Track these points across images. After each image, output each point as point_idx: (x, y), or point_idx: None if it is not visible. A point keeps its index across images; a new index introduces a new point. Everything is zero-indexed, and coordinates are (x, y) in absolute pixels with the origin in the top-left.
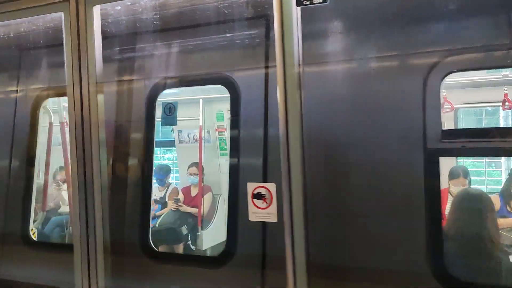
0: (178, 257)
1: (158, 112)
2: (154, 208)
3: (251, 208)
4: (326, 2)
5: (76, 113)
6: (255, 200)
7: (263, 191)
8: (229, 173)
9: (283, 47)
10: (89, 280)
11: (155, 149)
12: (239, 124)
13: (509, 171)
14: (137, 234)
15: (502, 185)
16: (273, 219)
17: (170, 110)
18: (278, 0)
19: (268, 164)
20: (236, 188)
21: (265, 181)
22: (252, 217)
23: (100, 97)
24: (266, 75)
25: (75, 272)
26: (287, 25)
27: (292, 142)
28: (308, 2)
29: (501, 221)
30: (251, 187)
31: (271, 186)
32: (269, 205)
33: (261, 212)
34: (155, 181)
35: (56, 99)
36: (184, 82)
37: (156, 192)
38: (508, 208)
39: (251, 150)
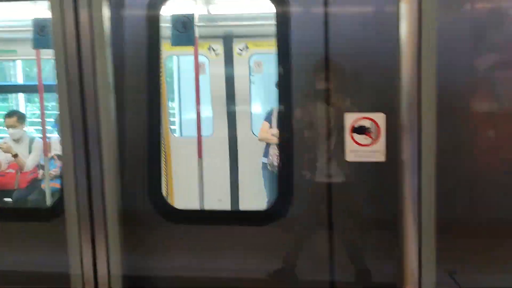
0: None
1: None
2: None
3: (350, 145)
4: None
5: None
6: (355, 135)
7: (367, 123)
8: None
9: None
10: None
11: None
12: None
13: None
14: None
15: None
16: (380, 157)
17: (184, 25)
18: None
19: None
20: None
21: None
22: (350, 157)
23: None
24: None
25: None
26: None
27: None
28: None
29: None
30: (350, 118)
31: (379, 118)
32: (375, 141)
33: (362, 150)
34: None
35: None
36: None
37: None
38: None
39: None
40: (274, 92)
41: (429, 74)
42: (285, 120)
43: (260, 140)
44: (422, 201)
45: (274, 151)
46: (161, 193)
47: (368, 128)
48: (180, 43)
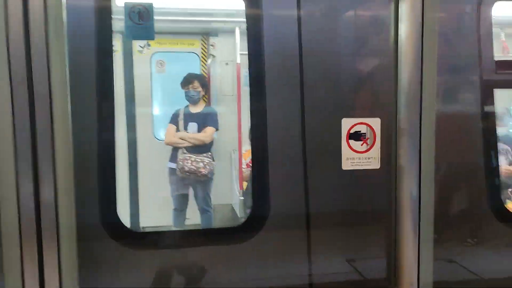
0: None
1: None
2: None
3: (346, 152)
4: None
5: None
6: (351, 141)
7: (363, 128)
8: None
9: None
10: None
11: None
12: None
13: None
14: None
15: None
16: (375, 165)
17: (141, 15)
18: None
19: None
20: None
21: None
22: (346, 165)
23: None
24: None
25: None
26: None
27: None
28: None
29: None
30: (347, 124)
31: (375, 122)
32: (371, 147)
33: (358, 158)
34: None
35: None
36: None
37: None
38: None
39: None
40: (179, 93)
41: (430, 76)
42: (258, 123)
43: (167, 144)
44: (421, 207)
45: (184, 156)
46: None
47: (364, 133)
48: (136, 36)
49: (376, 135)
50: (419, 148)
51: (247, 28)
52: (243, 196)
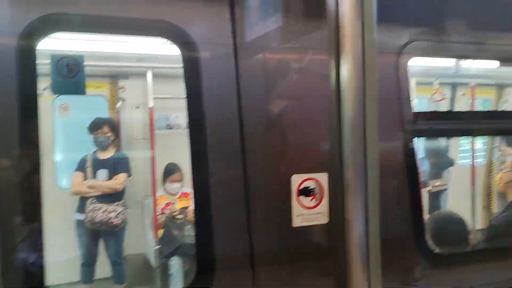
0: None
1: None
2: None
3: (296, 209)
4: None
5: None
6: (301, 198)
7: (312, 184)
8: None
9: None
10: None
11: None
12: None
13: None
14: None
15: None
16: (323, 220)
17: (70, 68)
18: None
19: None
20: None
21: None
22: (296, 222)
23: None
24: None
25: None
26: None
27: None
28: None
29: None
30: (297, 180)
31: (322, 177)
32: (319, 203)
33: (308, 213)
34: None
35: None
36: (92, 22)
37: None
38: None
39: None
40: (86, 138)
41: (372, 129)
42: (200, 171)
43: (73, 194)
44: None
45: (94, 206)
46: None
47: (313, 189)
48: (64, 91)
49: (324, 190)
50: (365, 202)
51: (184, 72)
52: (158, 244)
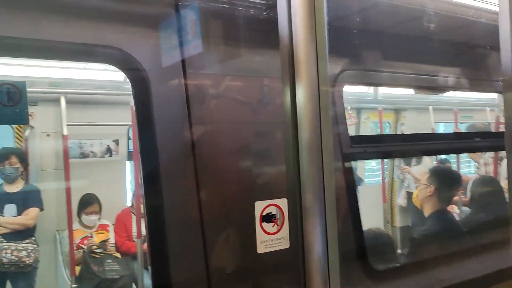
0: None
1: None
2: None
3: (260, 236)
4: None
5: None
6: (264, 224)
7: (273, 210)
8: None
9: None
10: None
11: None
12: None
13: None
14: None
15: None
16: (285, 245)
17: (11, 96)
18: None
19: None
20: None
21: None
22: (261, 248)
23: None
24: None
25: None
26: None
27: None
28: None
29: None
30: (260, 206)
31: (282, 203)
32: (280, 228)
33: (271, 239)
34: None
35: None
36: (28, 48)
37: None
38: None
39: None
40: None
41: (329, 153)
42: (152, 196)
43: None
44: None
45: (0, 246)
46: None
47: (275, 215)
48: (4, 121)
49: (285, 215)
50: (324, 224)
51: (135, 101)
52: (76, 283)
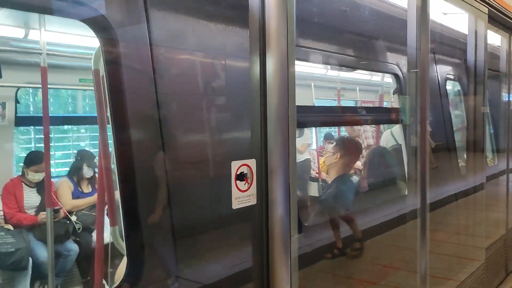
0: None
1: None
2: None
3: (235, 193)
4: None
5: None
6: (238, 182)
7: (245, 169)
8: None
9: None
10: None
11: None
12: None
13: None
14: None
15: (70, 167)
16: (253, 201)
17: None
18: None
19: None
20: None
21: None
22: (235, 204)
23: None
24: None
25: None
26: None
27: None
28: None
29: (77, 202)
30: (235, 166)
31: (252, 162)
32: (250, 186)
33: (243, 196)
34: None
35: None
36: None
37: None
38: (80, 189)
39: None
40: None
41: (293, 119)
42: (125, 170)
43: None
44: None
45: None
46: None
47: (246, 173)
48: None
49: (254, 174)
50: (288, 183)
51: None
52: None
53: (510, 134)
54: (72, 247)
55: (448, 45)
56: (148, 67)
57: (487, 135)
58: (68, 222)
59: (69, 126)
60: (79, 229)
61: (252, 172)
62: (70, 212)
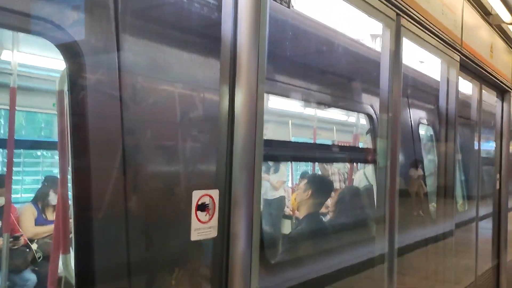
0: None
1: None
2: None
3: (195, 224)
4: None
5: None
6: (199, 213)
7: (207, 200)
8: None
9: None
10: None
11: None
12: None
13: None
14: None
15: (35, 193)
16: (214, 234)
17: None
18: None
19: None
20: None
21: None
22: (194, 236)
23: None
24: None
25: None
26: None
27: (258, 148)
28: None
29: (40, 230)
30: (197, 195)
31: (215, 193)
32: (211, 217)
33: (203, 228)
34: None
35: None
36: None
37: None
38: (45, 216)
39: None
40: None
41: (260, 151)
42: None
43: None
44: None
45: None
46: None
47: (208, 204)
48: None
49: (216, 205)
50: (251, 217)
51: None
52: None
53: (479, 182)
54: (30, 277)
55: (421, 90)
56: (115, 93)
57: (458, 181)
58: (28, 250)
59: (41, 151)
60: (39, 258)
61: (214, 203)
62: (31, 240)
